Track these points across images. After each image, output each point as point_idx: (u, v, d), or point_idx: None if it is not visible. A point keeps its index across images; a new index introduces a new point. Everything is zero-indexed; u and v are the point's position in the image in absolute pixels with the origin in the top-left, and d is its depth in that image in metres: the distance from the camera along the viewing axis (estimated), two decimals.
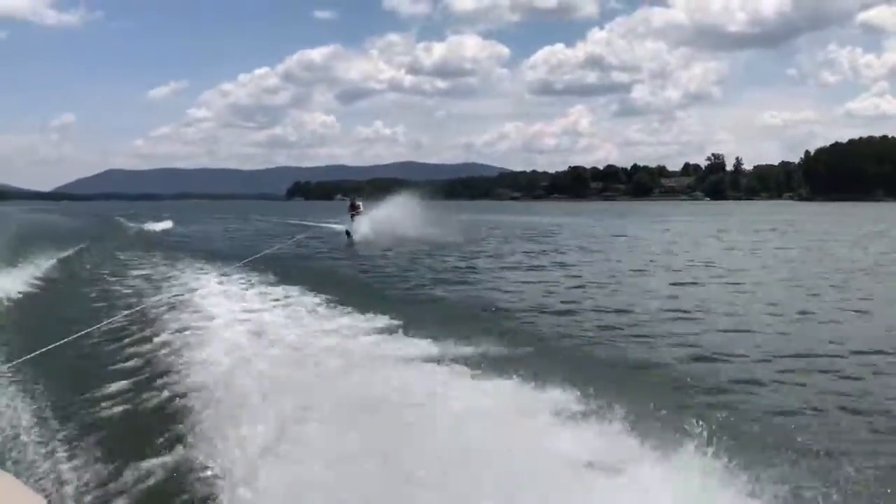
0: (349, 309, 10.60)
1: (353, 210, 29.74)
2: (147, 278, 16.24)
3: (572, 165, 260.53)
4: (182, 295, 12.51)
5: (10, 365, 7.52)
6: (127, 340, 9.23)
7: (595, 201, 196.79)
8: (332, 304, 11.29)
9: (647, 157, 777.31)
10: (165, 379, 7.18)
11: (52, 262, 19.65)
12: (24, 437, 5.91)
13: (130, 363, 8.12)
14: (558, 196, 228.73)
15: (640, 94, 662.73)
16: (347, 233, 28.09)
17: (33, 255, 19.80)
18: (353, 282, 16.55)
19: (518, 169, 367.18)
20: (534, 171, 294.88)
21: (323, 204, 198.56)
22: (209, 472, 4.72)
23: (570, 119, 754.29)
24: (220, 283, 14.19)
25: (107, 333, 9.44)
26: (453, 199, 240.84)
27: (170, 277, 15.96)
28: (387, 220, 28.48)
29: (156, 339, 9.05)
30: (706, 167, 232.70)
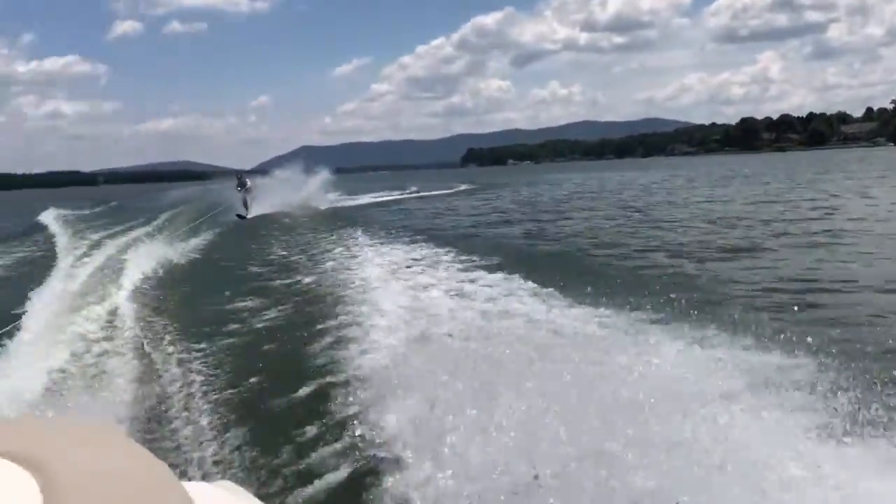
0: (512, 275, 9.15)
1: (242, 188, 26.54)
2: (304, 249, 14.96)
3: (744, 117, 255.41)
4: (337, 262, 12.08)
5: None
6: (288, 312, 8.63)
7: (767, 152, 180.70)
8: (480, 267, 10.25)
9: (849, 101, 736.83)
10: (329, 353, 6.41)
11: (215, 235, 19.55)
12: (170, 409, 5.65)
13: (288, 336, 7.41)
14: (729, 149, 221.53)
15: (836, 33, 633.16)
16: (240, 216, 24.95)
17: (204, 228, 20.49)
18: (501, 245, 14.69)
19: (703, 122, 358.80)
20: (713, 125, 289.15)
21: (492, 170, 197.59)
22: (374, 450, 4.24)
23: (759, 66, 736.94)
24: (376, 250, 13.25)
25: (268, 306, 9.02)
26: (626, 157, 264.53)
27: (326, 247, 14.60)
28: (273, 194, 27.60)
29: (316, 310, 8.37)
30: (892, 110, 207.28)
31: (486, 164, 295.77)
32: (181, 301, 10.15)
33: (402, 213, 27.54)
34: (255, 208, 25.86)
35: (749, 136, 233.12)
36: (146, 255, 13.68)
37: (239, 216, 24.23)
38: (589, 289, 7.53)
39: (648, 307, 6.82)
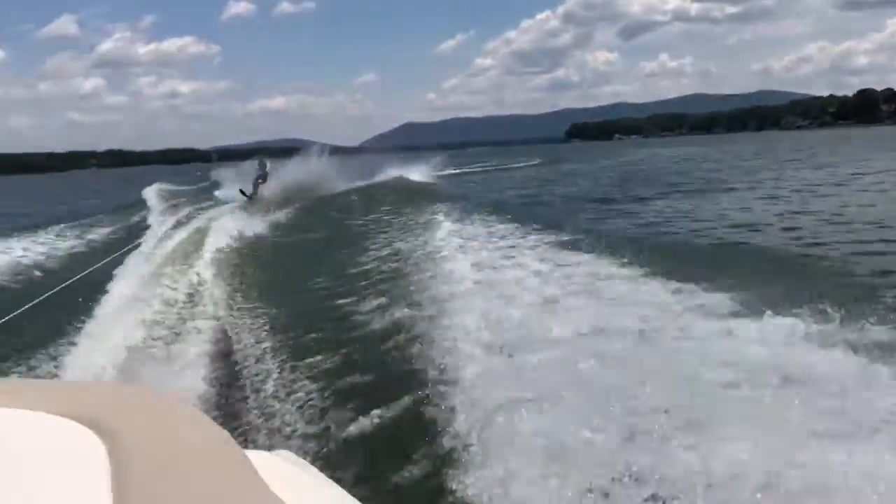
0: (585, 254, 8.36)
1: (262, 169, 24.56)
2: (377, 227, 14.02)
3: (862, 88, 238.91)
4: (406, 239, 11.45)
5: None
6: (361, 289, 8.16)
7: (888, 125, 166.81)
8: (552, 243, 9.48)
9: None
10: (403, 334, 5.99)
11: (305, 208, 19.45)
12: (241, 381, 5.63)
13: (360, 315, 7.00)
14: (843, 122, 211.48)
15: None
16: (243, 192, 23.31)
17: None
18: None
19: (825, 93, 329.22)
20: (831, 96, 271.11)
21: (595, 144, 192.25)
22: (446, 428, 4.00)
23: (888, 32, 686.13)
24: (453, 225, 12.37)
25: (346, 281, 8.83)
26: (737, 131, 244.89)
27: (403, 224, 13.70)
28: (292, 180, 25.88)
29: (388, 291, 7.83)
30: None
31: (591, 139, 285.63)
32: (259, 273, 10.21)
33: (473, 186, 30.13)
34: (267, 191, 24.13)
35: (867, 108, 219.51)
36: (233, 227, 13.72)
37: (242, 192, 23.19)
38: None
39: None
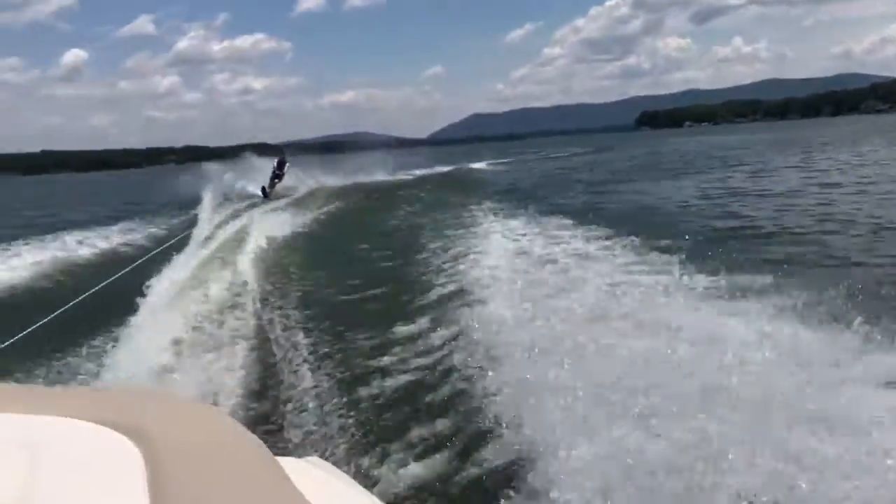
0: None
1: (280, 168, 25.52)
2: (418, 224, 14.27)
3: None
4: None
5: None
6: (407, 287, 8.27)
7: None
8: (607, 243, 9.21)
9: None
10: (449, 342, 5.84)
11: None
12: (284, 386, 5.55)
13: (403, 315, 7.01)
14: None
15: None
16: (263, 190, 23.97)
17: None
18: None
19: None
20: None
21: (665, 132, 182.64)
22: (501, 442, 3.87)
23: None
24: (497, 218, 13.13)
25: (384, 281, 8.83)
26: (812, 117, 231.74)
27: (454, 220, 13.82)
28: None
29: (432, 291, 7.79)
30: None
31: (661, 127, 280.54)
32: (301, 271, 10.18)
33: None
34: (281, 188, 24.61)
35: None
36: (273, 226, 14.00)
37: (263, 190, 23.56)
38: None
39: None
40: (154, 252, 11.67)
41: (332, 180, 28.91)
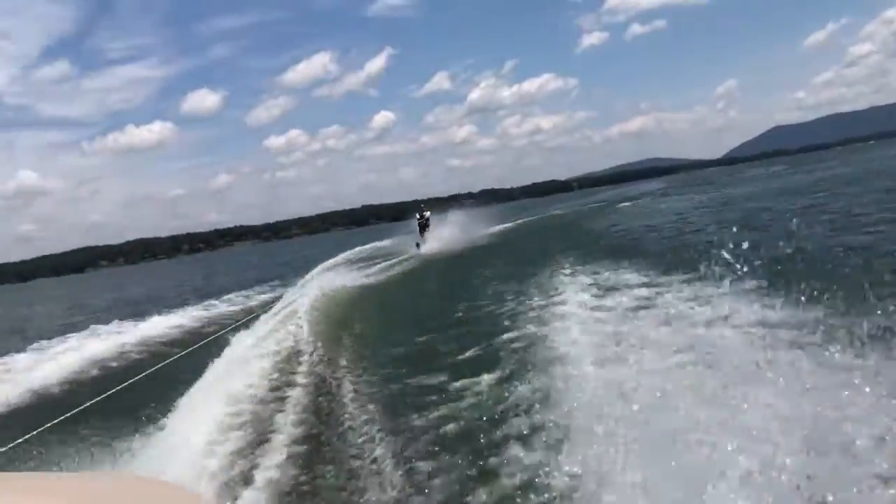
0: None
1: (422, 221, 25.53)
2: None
3: None
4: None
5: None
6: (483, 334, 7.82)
7: None
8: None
9: None
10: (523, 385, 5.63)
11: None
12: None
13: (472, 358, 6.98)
14: None
15: None
16: (417, 244, 24.22)
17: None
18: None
19: None
20: None
21: None
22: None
23: None
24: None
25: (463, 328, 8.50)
26: None
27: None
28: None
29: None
30: None
31: None
32: (367, 329, 10.03)
33: None
34: (430, 243, 24.08)
35: None
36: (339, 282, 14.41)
37: (417, 245, 23.93)
38: None
39: None
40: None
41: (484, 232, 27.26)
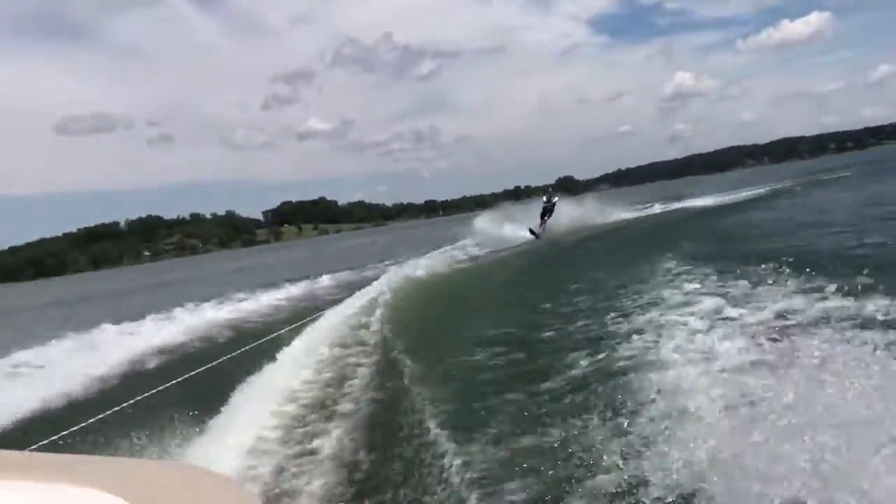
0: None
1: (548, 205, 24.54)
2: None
3: None
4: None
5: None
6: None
7: None
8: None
9: None
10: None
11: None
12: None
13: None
14: None
15: None
16: (532, 231, 23.61)
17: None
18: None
19: None
20: None
21: None
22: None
23: None
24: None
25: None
26: None
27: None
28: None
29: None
30: None
31: None
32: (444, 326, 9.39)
33: None
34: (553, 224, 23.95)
35: None
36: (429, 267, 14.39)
37: (531, 231, 23.27)
38: None
39: None
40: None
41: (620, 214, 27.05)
